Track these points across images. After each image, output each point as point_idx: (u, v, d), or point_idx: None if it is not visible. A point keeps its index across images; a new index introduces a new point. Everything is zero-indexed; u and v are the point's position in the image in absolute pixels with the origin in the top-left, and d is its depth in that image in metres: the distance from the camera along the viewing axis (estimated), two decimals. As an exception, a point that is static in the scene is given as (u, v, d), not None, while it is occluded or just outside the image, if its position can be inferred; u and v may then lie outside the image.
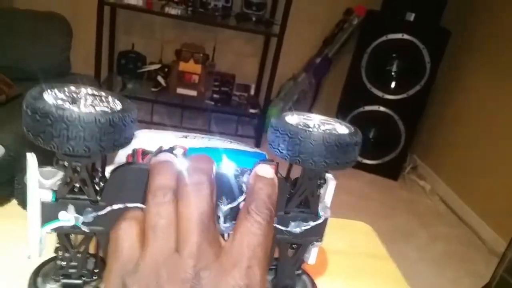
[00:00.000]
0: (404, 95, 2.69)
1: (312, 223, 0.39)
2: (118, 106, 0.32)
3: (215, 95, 2.86)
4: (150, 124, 2.76)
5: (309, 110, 3.26)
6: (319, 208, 0.40)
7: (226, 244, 0.29)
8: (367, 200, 2.54)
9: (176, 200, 0.29)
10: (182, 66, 2.66)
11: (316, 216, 0.40)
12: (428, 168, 2.95)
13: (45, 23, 1.90)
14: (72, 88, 0.33)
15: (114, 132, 0.29)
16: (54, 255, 0.39)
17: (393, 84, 2.72)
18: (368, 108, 2.76)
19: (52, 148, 0.28)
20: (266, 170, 0.32)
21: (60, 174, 0.57)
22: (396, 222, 2.39)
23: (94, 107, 0.31)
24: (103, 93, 0.33)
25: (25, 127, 0.29)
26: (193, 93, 2.73)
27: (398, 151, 2.81)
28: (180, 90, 2.72)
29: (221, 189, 0.32)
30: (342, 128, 0.39)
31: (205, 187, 0.29)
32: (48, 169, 0.57)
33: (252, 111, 2.92)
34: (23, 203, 0.54)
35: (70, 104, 0.31)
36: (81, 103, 0.31)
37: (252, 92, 3.11)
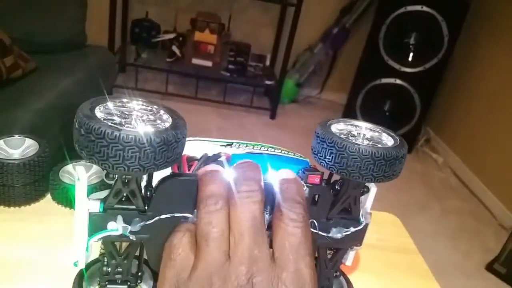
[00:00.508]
0: (421, 68, 2.64)
1: (353, 229, 0.39)
2: (168, 119, 0.32)
3: (230, 66, 2.83)
4: (164, 94, 2.76)
5: (325, 81, 3.22)
6: (361, 214, 0.40)
7: (270, 251, 0.29)
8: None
9: (228, 208, 0.29)
10: (198, 36, 2.62)
11: (357, 222, 0.40)
12: (441, 141, 2.93)
13: (60, -6, 1.87)
14: (124, 100, 0.32)
15: (168, 150, 0.29)
16: (97, 257, 0.40)
17: (410, 57, 2.67)
18: (384, 80, 2.72)
19: (107, 167, 0.28)
20: (287, 173, 0.32)
21: (94, 167, 0.58)
22: (410, 195, 2.40)
23: (145, 122, 0.31)
24: (154, 106, 0.33)
25: (78, 145, 0.29)
26: (209, 63, 2.70)
27: (413, 124, 2.79)
28: (196, 61, 2.69)
29: (265, 198, 0.32)
30: (388, 139, 0.38)
31: (256, 194, 0.29)
32: (83, 163, 0.58)
33: (267, 82, 2.89)
34: (57, 199, 0.54)
35: (122, 119, 0.31)
36: (133, 119, 0.31)
37: (268, 62, 3.07)
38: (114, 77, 2.16)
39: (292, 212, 0.29)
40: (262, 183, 0.30)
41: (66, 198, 0.53)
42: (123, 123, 0.30)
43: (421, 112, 2.75)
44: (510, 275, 1.89)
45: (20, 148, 0.53)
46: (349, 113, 2.87)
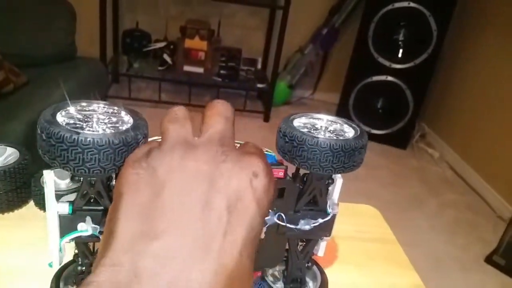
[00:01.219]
0: (411, 64, 2.66)
1: (321, 220, 0.41)
2: (129, 120, 0.33)
3: (222, 71, 2.85)
4: (158, 103, 2.77)
5: (317, 82, 3.24)
6: (328, 205, 0.41)
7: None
8: (377, 170, 2.55)
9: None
10: (188, 43, 2.64)
11: (325, 213, 0.41)
12: (437, 136, 2.94)
13: (49, 8, 1.89)
14: (84, 104, 0.34)
15: (127, 151, 0.30)
16: (72, 258, 0.41)
17: (400, 53, 2.68)
18: (376, 78, 2.74)
19: (68, 170, 0.30)
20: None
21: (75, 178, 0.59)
22: (405, 190, 2.41)
23: (106, 124, 0.32)
24: (115, 108, 0.34)
25: (41, 150, 0.30)
26: (200, 70, 2.72)
27: (407, 120, 2.80)
28: (187, 68, 2.71)
29: None
30: (349, 130, 0.39)
31: (230, 113, 0.29)
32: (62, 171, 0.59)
33: (259, 85, 2.91)
34: (40, 205, 0.56)
35: (83, 123, 0.32)
36: (94, 121, 0.32)
37: (259, 66, 3.09)
38: (106, 87, 2.17)
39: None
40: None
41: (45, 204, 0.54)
42: (84, 126, 0.31)
43: (414, 108, 2.76)
44: (509, 267, 1.89)
45: (1, 156, 0.54)
46: (342, 113, 2.89)
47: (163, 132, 0.27)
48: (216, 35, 2.88)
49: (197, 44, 2.64)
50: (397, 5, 2.55)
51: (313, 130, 0.39)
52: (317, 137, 0.36)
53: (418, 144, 2.95)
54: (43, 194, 0.55)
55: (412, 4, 2.53)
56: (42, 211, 0.55)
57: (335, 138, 0.37)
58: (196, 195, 0.23)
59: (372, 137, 2.85)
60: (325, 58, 3.14)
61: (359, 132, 0.39)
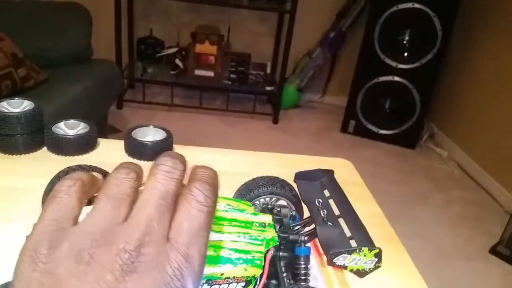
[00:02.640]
0: (417, 64, 2.71)
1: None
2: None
3: (232, 75, 2.94)
4: (171, 106, 2.88)
5: (326, 85, 3.31)
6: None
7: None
8: (385, 168, 2.59)
9: (139, 184, 0.27)
10: (198, 48, 2.75)
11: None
12: (445, 135, 2.97)
13: (66, 13, 2.02)
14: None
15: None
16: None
17: (406, 54, 2.74)
18: (382, 78, 2.80)
19: None
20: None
21: (82, 125, 0.68)
22: (413, 187, 2.44)
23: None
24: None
25: None
26: (210, 73, 2.82)
27: (414, 119, 2.84)
28: (198, 72, 2.82)
29: None
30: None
31: (178, 173, 0.27)
32: (72, 121, 0.68)
33: (268, 88, 2.99)
34: (52, 149, 0.64)
35: None
36: None
37: (268, 70, 3.18)
38: (121, 88, 2.28)
39: (202, 193, 0.26)
40: (187, 169, 0.28)
41: (58, 148, 0.63)
42: None
43: (421, 107, 2.81)
44: (514, 256, 1.91)
45: (19, 107, 0.63)
46: (350, 113, 2.95)
47: (100, 195, 0.25)
48: (226, 40, 2.98)
49: (207, 49, 2.74)
50: (401, 6, 2.62)
51: None
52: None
53: (427, 144, 2.99)
54: (54, 138, 0.64)
55: (416, 5, 2.59)
56: (54, 155, 0.64)
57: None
58: None
59: (380, 137, 2.90)
60: (333, 62, 3.22)
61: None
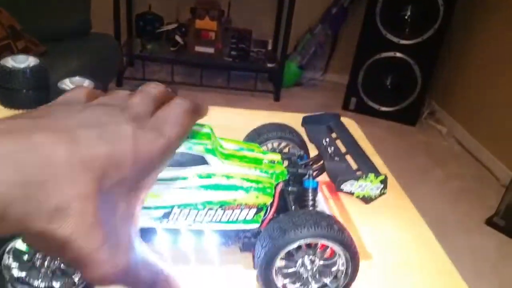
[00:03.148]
0: (419, 40, 2.69)
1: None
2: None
3: (232, 52, 2.92)
4: (171, 84, 2.86)
5: (327, 62, 3.29)
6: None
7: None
8: (384, 144, 2.59)
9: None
10: (198, 23, 2.72)
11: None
12: (445, 112, 2.97)
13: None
14: None
15: None
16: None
17: (408, 29, 2.72)
18: (384, 55, 2.78)
19: None
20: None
21: (87, 82, 0.68)
22: (412, 163, 2.45)
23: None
24: None
25: None
26: (211, 50, 2.80)
27: (415, 96, 2.84)
28: (198, 48, 2.79)
29: None
30: None
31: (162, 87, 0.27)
32: (77, 78, 0.67)
33: (269, 65, 2.97)
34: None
35: None
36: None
37: (270, 47, 3.15)
38: (120, 62, 2.27)
39: (183, 103, 0.27)
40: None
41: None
42: None
43: (423, 84, 2.80)
44: (509, 227, 1.94)
45: (25, 63, 0.62)
46: (351, 90, 2.94)
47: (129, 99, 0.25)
48: (226, 16, 2.95)
49: (207, 24, 2.71)
50: (403, -19, 2.59)
51: None
52: None
53: (427, 120, 2.99)
54: (61, 94, 0.64)
55: (418, -20, 2.57)
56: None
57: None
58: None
59: (381, 114, 2.90)
60: (335, 39, 3.19)
61: None
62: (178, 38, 2.83)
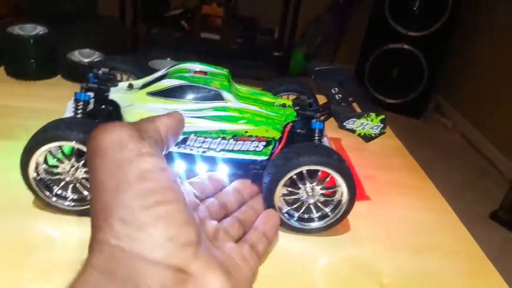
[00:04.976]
0: (426, 32, 2.66)
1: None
2: None
3: (239, 39, 2.90)
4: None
5: (334, 53, 3.27)
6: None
7: None
8: (387, 137, 2.58)
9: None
10: (205, 9, 2.70)
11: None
12: (451, 106, 2.95)
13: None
14: None
15: None
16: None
17: (416, 21, 2.69)
18: (392, 46, 2.76)
19: None
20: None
21: (97, 54, 0.67)
22: (416, 154, 2.42)
23: None
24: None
25: None
26: (217, 37, 2.78)
27: (421, 89, 2.82)
28: (204, 35, 2.77)
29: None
30: None
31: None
32: (87, 50, 0.66)
33: (276, 54, 2.95)
34: (67, 76, 0.63)
35: None
36: None
37: (276, 35, 3.12)
38: (126, 46, 2.25)
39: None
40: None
41: (73, 74, 0.62)
42: None
43: (429, 77, 2.78)
44: (512, 222, 1.93)
45: (32, 32, 0.61)
46: (358, 81, 2.92)
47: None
48: (234, 2, 2.92)
49: (214, 10, 2.69)
50: (413, -28, 2.56)
51: None
52: None
53: (432, 114, 2.97)
54: (69, 65, 0.63)
55: (428, -29, 2.54)
56: (68, 81, 0.63)
57: None
58: None
59: (387, 106, 2.88)
60: (342, 29, 3.16)
61: None
62: (183, 23, 2.80)
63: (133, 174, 0.22)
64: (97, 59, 0.64)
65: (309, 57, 3.18)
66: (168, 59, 0.66)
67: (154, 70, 0.63)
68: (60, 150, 0.41)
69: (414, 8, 2.69)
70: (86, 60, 0.63)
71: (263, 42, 3.01)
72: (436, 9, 2.62)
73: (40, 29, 0.62)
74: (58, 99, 0.54)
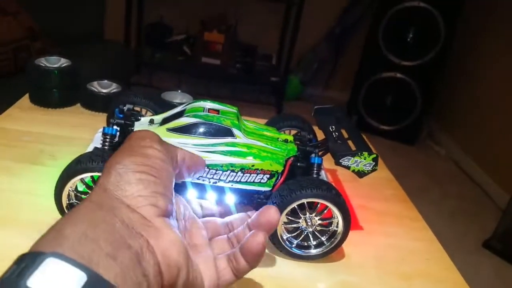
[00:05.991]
0: (420, 61, 2.75)
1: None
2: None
3: (238, 65, 2.98)
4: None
5: (328, 78, 3.35)
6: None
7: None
8: (384, 163, 2.64)
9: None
10: (207, 36, 2.79)
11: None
12: (444, 133, 3.02)
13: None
14: None
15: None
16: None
17: (409, 51, 2.78)
18: (385, 74, 2.84)
19: None
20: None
21: (114, 85, 0.72)
22: (409, 182, 2.46)
23: None
24: None
25: None
26: (217, 61, 2.86)
27: (415, 116, 2.89)
28: (205, 59, 2.86)
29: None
30: None
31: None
32: (105, 81, 0.72)
33: (273, 79, 3.03)
34: (86, 105, 0.69)
35: None
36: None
37: (274, 61, 3.21)
38: (131, 70, 2.32)
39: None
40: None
41: (92, 104, 0.67)
42: None
43: (422, 105, 2.85)
44: (505, 251, 1.96)
45: (57, 64, 0.67)
46: (352, 109, 2.99)
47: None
48: (233, 30, 3.02)
49: (215, 37, 2.79)
50: (407, 4, 2.66)
51: None
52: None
53: (426, 141, 3.04)
54: (90, 95, 0.68)
55: (422, 4, 2.63)
56: (87, 110, 0.68)
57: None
58: None
59: (381, 133, 2.95)
60: (337, 57, 3.26)
61: None
62: (185, 48, 2.89)
63: (140, 152, 0.33)
64: (114, 90, 0.69)
65: (305, 83, 3.26)
66: (179, 91, 0.72)
67: (166, 101, 0.69)
68: (90, 178, 0.46)
69: (408, 39, 2.79)
70: (104, 90, 0.69)
71: (261, 67, 3.10)
72: (430, 40, 2.71)
73: (63, 61, 0.67)
74: (79, 127, 0.60)
